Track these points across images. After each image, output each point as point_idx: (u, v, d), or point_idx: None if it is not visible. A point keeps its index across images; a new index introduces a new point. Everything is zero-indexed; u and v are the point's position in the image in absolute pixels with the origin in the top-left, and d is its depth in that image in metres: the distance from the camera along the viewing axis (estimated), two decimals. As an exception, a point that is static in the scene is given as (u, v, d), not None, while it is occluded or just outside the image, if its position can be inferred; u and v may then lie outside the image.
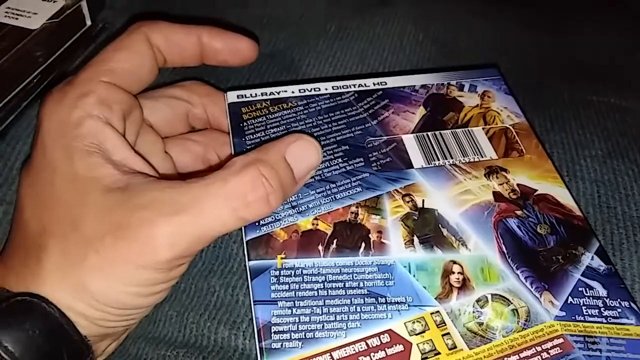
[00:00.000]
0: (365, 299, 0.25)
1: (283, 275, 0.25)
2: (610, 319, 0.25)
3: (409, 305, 0.25)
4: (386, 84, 0.33)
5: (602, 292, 0.26)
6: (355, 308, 0.25)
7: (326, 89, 0.32)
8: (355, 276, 0.25)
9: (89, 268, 0.22)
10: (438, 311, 0.25)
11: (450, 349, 0.24)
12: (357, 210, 0.27)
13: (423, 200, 0.28)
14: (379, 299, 0.25)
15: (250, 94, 0.31)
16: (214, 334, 0.27)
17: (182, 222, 0.22)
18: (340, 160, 0.29)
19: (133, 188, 0.23)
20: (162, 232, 0.22)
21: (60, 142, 0.24)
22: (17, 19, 0.34)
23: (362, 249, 0.26)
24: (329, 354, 0.23)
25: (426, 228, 0.27)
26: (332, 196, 0.28)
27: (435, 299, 0.25)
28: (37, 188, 0.24)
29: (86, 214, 0.23)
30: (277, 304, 0.24)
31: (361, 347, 0.24)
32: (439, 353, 0.24)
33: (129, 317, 0.25)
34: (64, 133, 0.24)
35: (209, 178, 0.24)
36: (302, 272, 0.25)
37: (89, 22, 0.37)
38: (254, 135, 0.30)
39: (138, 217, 0.22)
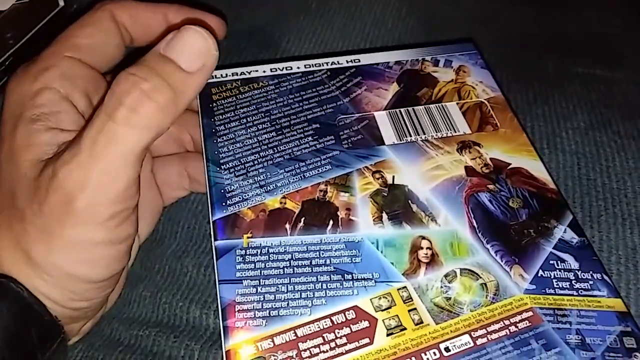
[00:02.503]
0: (332, 276, 0.25)
1: (249, 255, 0.25)
2: (581, 292, 0.25)
3: (375, 282, 0.25)
4: (360, 61, 0.32)
5: (574, 264, 0.26)
6: (321, 285, 0.25)
7: (298, 68, 0.32)
8: (322, 254, 0.25)
9: (30, 241, 0.22)
10: (405, 287, 0.25)
11: (416, 324, 0.24)
12: (326, 188, 0.27)
13: (393, 177, 0.28)
14: (345, 275, 0.25)
15: (221, 74, 0.31)
16: (186, 314, 0.27)
17: (79, 162, 0.22)
18: (310, 138, 0.29)
19: (57, 154, 0.23)
20: (67, 178, 0.22)
21: (14, 114, 0.24)
22: (-16, -1, 0.34)
23: (330, 227, 0.26)
24: (293, 331, 0.23)
25: (395, 204, 0.27)
26: (301, 175, 0.28)
27: (403, 274, 0.25)
28: None
29: (19, 186, 0.23)
30: (242, 282, 0.24)
31: (326, 324, 0.24)
32: (404, 328, 0.24)
33: (90, 295, 0.24)
34: (21, 105, 0.24)
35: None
36: (268, 250, 0.25)
37: (62, 3, 0.37)
38: (224, 116, 0.29)
39: (47, 175, 0.22)
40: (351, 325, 0.24)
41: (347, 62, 0.32)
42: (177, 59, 0.23)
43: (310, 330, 0.23)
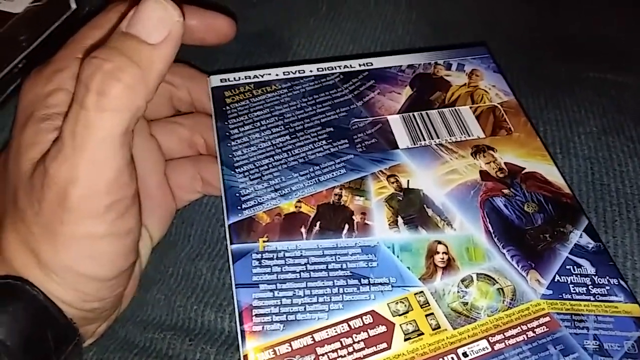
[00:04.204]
0: (348, 280, 0.25)
1: (265, 259, 0.25)
2: (598, 297, 0.25)
3: (392, 286, 0.25)
4: (372, 64, 0.32)
5: (591, 269, 0.26)
6: (338, 290, 0.24)
7: (311, 71, 0.32)
8: (338, 258, 0.25)
9: (36, 242, 0.22)
10: (422, 291, 0.25)
11: (433, 329, 0.24)
12: (341, 192, 0.27)
13: (408, 181, 0.28)
14: (362, 280, 0.25)
15: (234, 78, 0.31)
16: (201, 317, 0.27)
17: (65, 155, 0.21)
18: (324, 142, 0.29)
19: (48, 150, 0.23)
20: (57, 173, 0.21)
21: (26, 114, 0.24)
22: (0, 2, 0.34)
23: (345, 231, 0.26)
24: (310, 335, 0.23)
25: (411, 208, 0.27)
26: (316, 178, 0.28)
27: (419, 279, 0.25)
28: (5, 166, 0.24)
29: (20, 186, 0.23)
30: (258, 287, 0.24)
31: (343, 329, 0.23)
32: (422, 333, 0.24)
33: (101, 294, 0.24)
34: (33, 105, 0.24)
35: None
36: (284, 254, 0.25)
37: (74, 6, 0.37)
38: (237, 119, 0.29)
39: (40, 173, 0.22)
40: (369, 330, 0.24)
41: (360, 65, 0.32)
42: (140, 33, 0.22)
43: (328, 334, 0.23)
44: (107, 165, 0.22)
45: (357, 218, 0.27)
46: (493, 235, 0.26)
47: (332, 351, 0.23)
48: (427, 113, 0.30)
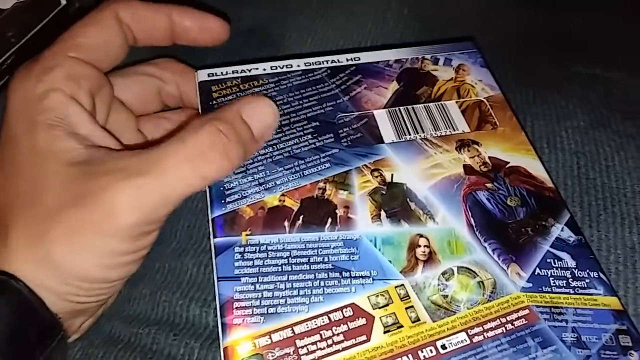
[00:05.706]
0: (330, 273, 0.25)
1: (247, 252, 0.25)
2: (577, 290, 0.25)
3: (373, 279, 0.25)
4: (360, 59, 0.33)
5: (571, 263, 0.26)
6: (319, 283, 0.25)
7: (298, 66, 0.32)
8: (320, 251, 0.26)
9: (53, 240, 0.23)
10: (402, 284, 0.25)
11: (413, 322, 0.24)
12: (325, 186, 0.28)
13: (392, 175, 0.28)
14: (343, 273, 0.25)
15: (222, 72, 0.31)
16: (186, 312, 0.27)
17: (142, 185, 0.22)
18: (309, 136, 0.29)
19: (94, 159, 0.24)
20: (122, 195, 0.22)
21: (23, 116, 0.24)
22: (-14, -2, 0.34)
23: (328, 225, 0.26)
24: (290, 328, 0.24)
25: (394, 202, 0.27)
26: (300, 172, 0.28)
27: (400, 272, 0.25)
28: (1, 164, 0.25)
29: (48, 186, 0.23)
30: (240, 280, 0.25)
31: (323, 321, 0.24)
32: (401, 326, 0.24)
33: (100, 292, 0.25)
34: (28, 107, 0.24)
35: (167, 141, 0.24)
36: (266, 248, 0.25)
37: (64, 2, 0.37)
38: (224, 114, 0.30)
39: (98, 184, 0.23)
40: (348, 323, 0.24)
41: (347, 60, 0.32)
42: (255, 129, 0.26)
43: (308, 327, 0.24)
44: (166, 209, 0.24)
45: (340, 212, 0.27)
46: (475, 229, 0.27)
47: (312, 344, 0.23)
48: (412, 107, 0.31)
